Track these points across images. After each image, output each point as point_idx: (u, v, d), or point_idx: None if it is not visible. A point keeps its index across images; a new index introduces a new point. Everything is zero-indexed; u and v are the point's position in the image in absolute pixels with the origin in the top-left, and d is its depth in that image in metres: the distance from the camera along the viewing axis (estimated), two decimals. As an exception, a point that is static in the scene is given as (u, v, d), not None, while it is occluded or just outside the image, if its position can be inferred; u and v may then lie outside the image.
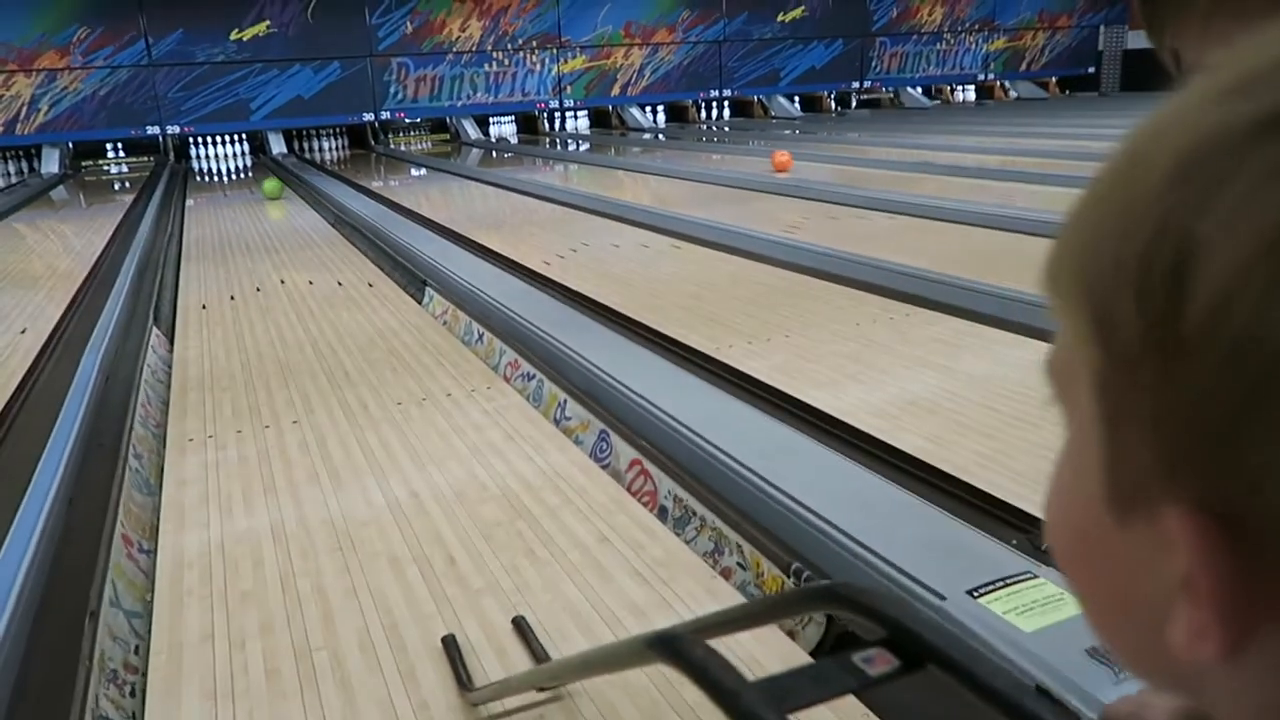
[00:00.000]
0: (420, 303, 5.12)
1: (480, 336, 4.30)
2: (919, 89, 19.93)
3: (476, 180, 11.56)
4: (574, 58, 17.14)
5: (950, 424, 2.97)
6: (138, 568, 2.41)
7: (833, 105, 19.67)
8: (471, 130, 16.82)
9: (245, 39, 15.08)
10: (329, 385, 3.70)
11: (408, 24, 16.03)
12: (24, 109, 14.20)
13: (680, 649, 0.70)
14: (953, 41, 19.97)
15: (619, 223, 7.39)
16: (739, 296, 4.75)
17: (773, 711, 0.61)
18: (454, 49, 16.42)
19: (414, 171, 13.42)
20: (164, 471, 2.97)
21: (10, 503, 2.64)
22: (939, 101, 20.37)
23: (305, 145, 16.33)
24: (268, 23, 15.15)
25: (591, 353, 3.71)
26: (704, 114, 18.89)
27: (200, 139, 15.56)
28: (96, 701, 1.81)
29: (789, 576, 2.18)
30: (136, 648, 2.09)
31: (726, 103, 18.92)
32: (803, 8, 18.31)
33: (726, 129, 17.28)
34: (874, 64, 19.34)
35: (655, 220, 7.23)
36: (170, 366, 4.15)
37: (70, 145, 14.97)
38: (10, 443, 3.28)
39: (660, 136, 16.62)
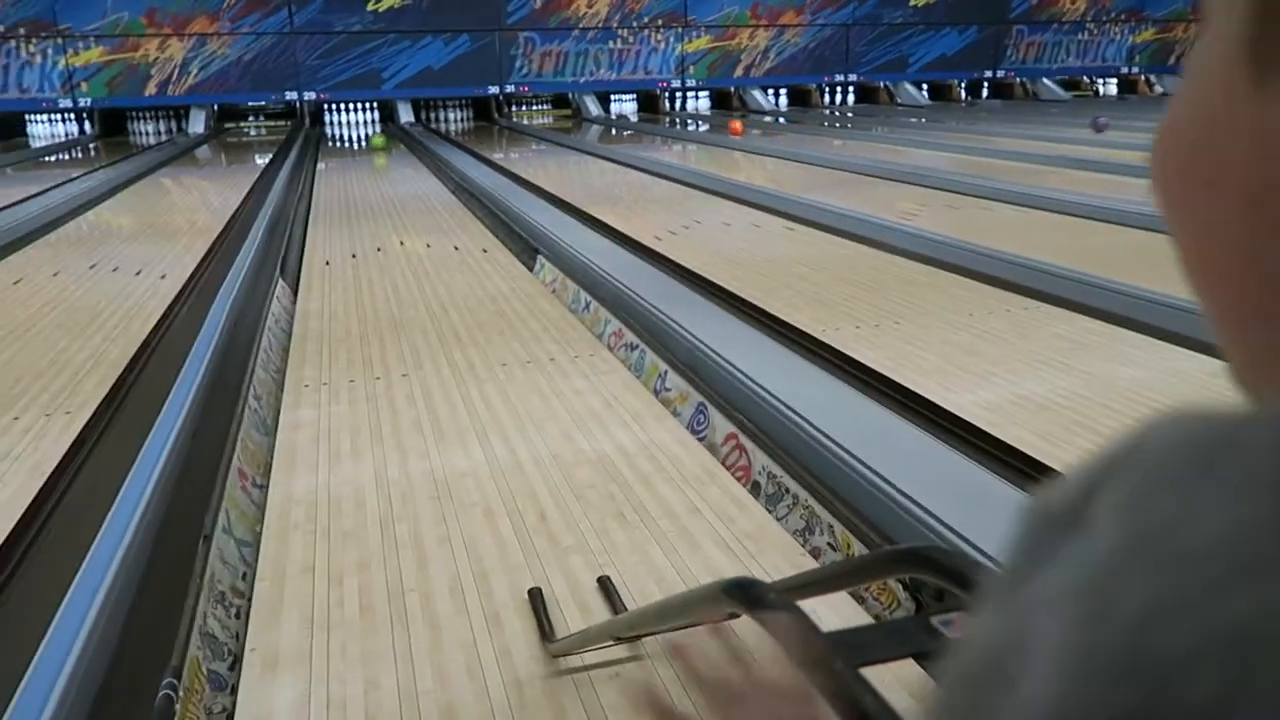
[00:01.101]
0: (531, 270, 5.20)
1: (587, 305, 4.34)
2: (1056, 80, 19.10)
3: (595, 155, 11.65)
4: (698, 37, 17.05)
5: (1063, 422, 2.85)
6: (250, 501, 2.54)
7: (962, 94, 19.04)
8: (593, 107, 16.94)
9: (381, 10, 15.53)
10: (438, 343, 3.80)
11: (536, -1, 16.24)
12: (175, 71, 14.98)
13: (755, 594, 0.69)
14: (1096, 31, 19.04)
15: (732, 202, 7.34)
16: (850, 280, 4.66)
17: (845, 662, 0.60)
18: (580, 25, 16.54)
19: (535, 145, 13.61)
20: (280, 414, 3.10)
21: (140, 431, 2.81)
22: (1076, 94, 19.48)
23: (432, 115, 16.74)
24: (403, -6, 15.56)
25: (695, 327, 3.70)
26: (827, 99, 18.55)
27: (334, 105, 16.13)
28: (204, 619, 1.91)
29: (880, 560, 2.13)
30: (244, 574, 2.20)
31: (851, 88, 18.52)
32: (939, -8, 17.76)
33: (850, 115, 16.92)
34: (1009, 53, 18.61)
35: (769, 201, 7.14)
36: (292, 317, 4.33)
37: (215, 107, 15.74)
38: (145, 377, 3.49)
39: (781, 120, 16.41)
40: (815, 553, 2.25)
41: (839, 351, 3.55)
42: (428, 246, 5.83)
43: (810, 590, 1.00)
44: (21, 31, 14.09)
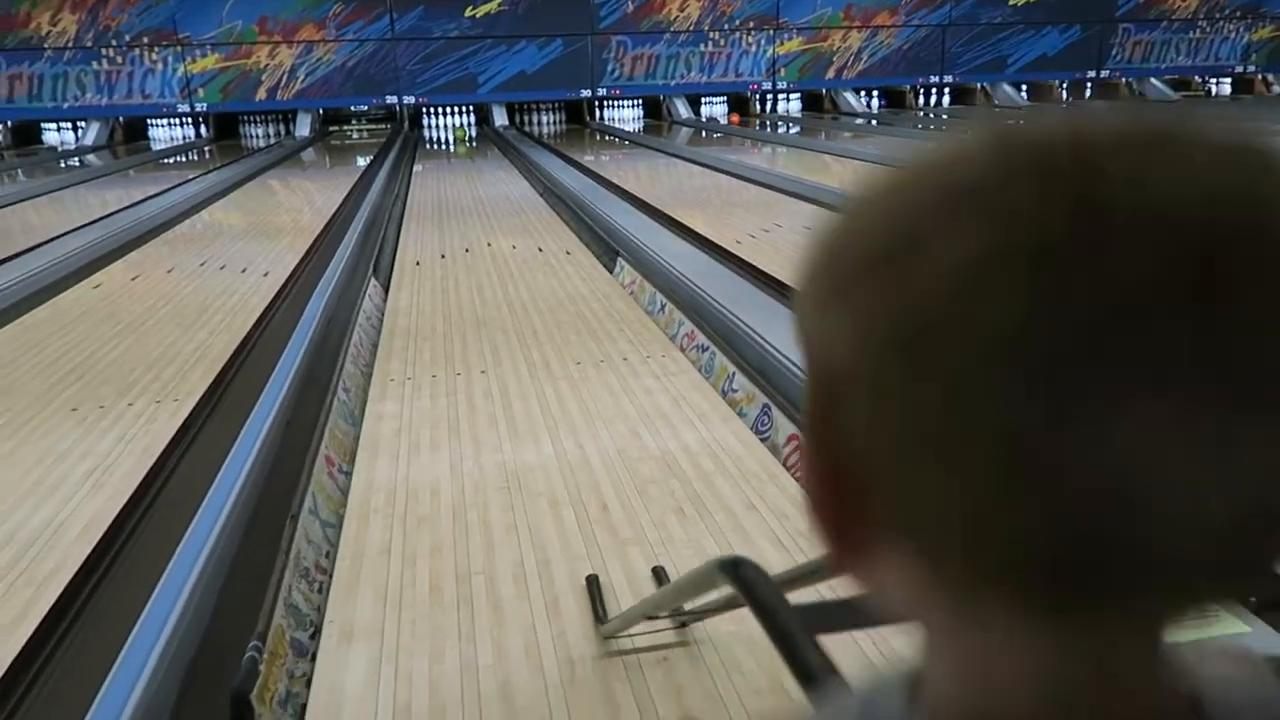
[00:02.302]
0: (611, 272, 5.32)
1: (662, 307, 4.44)
2: (1164, 80, 18.39)
3: (684, 159, 11.74)
4: (790, 39, 16.99)
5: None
6: (335, 485, 2.71)
7: (1064, 95, 18.50)
8: (683, 109, 17.05)
9: (479, 16, 15.94)
10: (517, 342, 3.95)
11: (629, 3, 16.41)
12: (284, 77, 15.66)
13: (739, 571, 0.77)
14: (1208, 29, 18.27)
15: (818, 206, 7.34)
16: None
17: (806, 630, 0.68)
18: (671, 28, 16.67)
19: (624, 147, 13.78)
20: (367, 405, 3.29)
21: (238, 420, 3.03)
22: (1186, 94, 18.71)
23: (525, 118, 17.09)
24: (499, 0, 15.93)
25: (767, 330, 3.77)
26: (922, 100, 18.26)
27: (432, 109, 16.61)
28: (289, 591, 2.07)
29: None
30: (327, 553, 2.36)
31: (947, 89, 18.19)
32: (1038, -10, 17.30)
33: (945, 116, 16.63)
34: (1114, 52, 18.01)
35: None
36: (383, 314, 4.55)
37: (320, 111, 16.38)
38: (245, 369, 3.73)
39: (874, 122, 16.23)
40: (867, 553, 2.30)
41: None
42: (513, 248, 6.02)
43: (812, 579, 1.07)
44: (145, 41, 14.94)
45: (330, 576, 2.21)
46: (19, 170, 12.32)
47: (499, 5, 15.97)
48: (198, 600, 2.01)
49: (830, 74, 17.33)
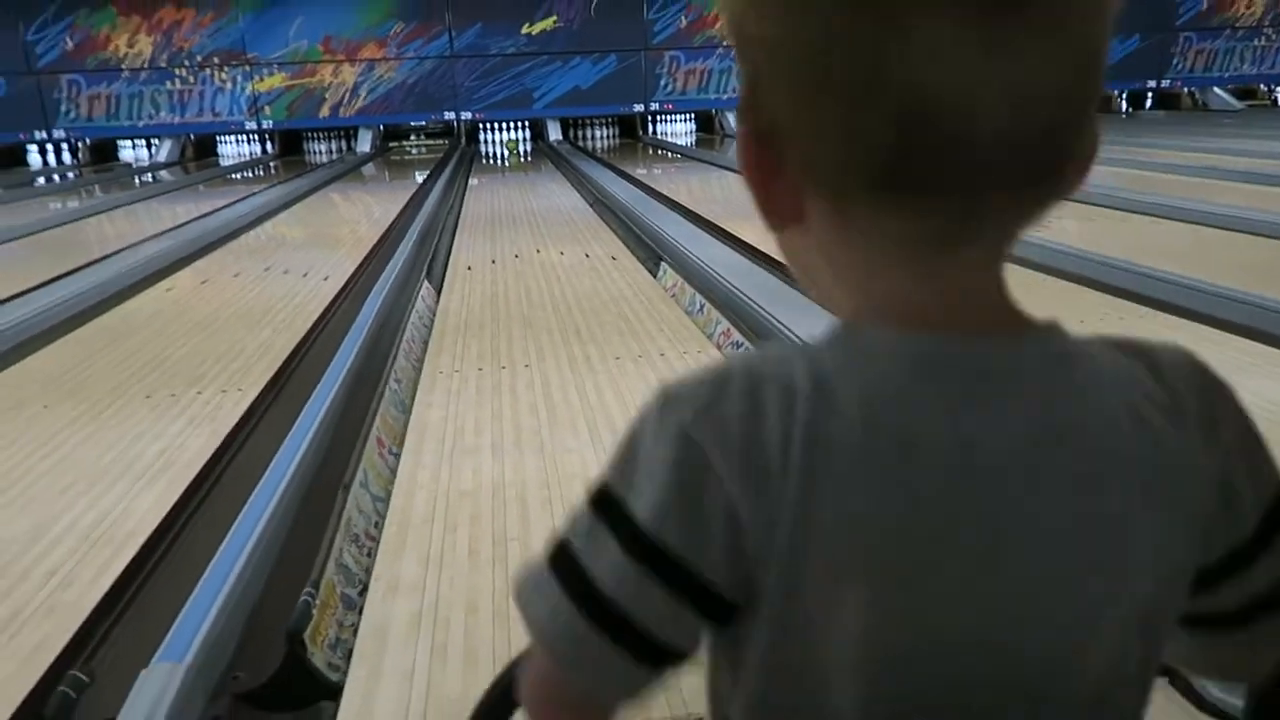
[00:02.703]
0: (655, 276, 5.48)
1: (701, 307, 4.59)
2: (1228, 90, 18.05)
3: (736, 172, 11.87)
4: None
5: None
6: (385, 465, 2.90)
7: (1123, 105, 18.26)
8: (734, 123, 17.15)
9: (534, 33, 16.29)
10: (560, 339, 4.13)
11: (682, 18, 16.64)
12: (347, 95, 16.17)
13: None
14: (1275, 36, 17.90)
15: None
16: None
17: None
18: (724, 43, 16.84)
19: (677, 160, 13.97)
20: (416, 395, 3.49)
21: (298, 406, 3.24)
22: (1251, 104, 18.34)
23: (579, 133, 17.39)
24: (555, 17, 16.27)
25: (800, 327, 3.89)
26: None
27: (488, 124, 16.99)
28: (340, 552, 2.26)
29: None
30: (376, 523, 2.55)
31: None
32: (1096, 0, 17.10)
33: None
34: (1175, 61, 17.74)
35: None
36: (434, 314, 4.77)
37: (381, 127, 16.86)
38: (305, 363, 3.97)
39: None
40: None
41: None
42: (561, 254, 6.21)
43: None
44: (215, 61, 15.55)
45: (377, 542, 2.39)
46: (96, 186, 12.91)
47: (555, 22, 16.30)
48: (260, 556, 2.20)
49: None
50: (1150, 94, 18.23)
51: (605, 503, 0.53)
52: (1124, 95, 18.19)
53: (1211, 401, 0.54)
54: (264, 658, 1.92)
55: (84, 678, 1.87)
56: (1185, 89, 18.23)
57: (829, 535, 0.49)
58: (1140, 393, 0.52)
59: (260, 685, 1.86)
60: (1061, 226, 6.31)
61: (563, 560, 0.54)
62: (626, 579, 0.52)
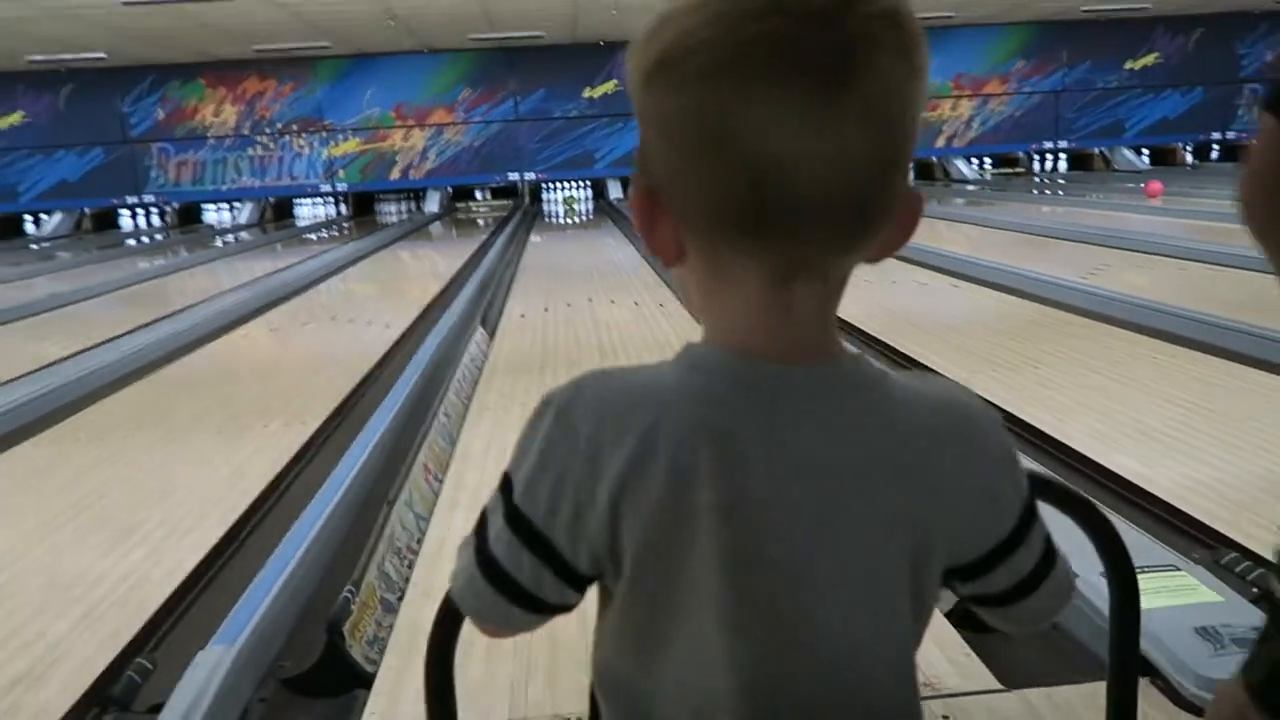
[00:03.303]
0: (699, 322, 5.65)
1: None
2: (1299, 140, 17.70)
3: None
4: (899, 110, 17.23)
5: (1162, 449, 2.95)
6: (430, 489, 3.10)
7: (1188, 158, 18.06)
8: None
9: (595, 96, 16.85)
10: (603, 378, 4.31)
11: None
12: (416, 158, 16.86)
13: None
14: (1345, 87, 17.58)
15: (906, 264, 7.52)
16: (1001, 330, 4.81)
17: None
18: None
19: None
20: (463, 428, 3.70)
21: (355, 435, 3.47)
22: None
23: (639, 192, 17.75)
24: (615, 81, 16.80)
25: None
26: (1037, 166, 18.14)
27: (551, 184, 17.52)
28: (383, 561, 2.45)
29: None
30: (418, 539, 2.73)
31: (1063, 155, 18.02)
32: (1156, 54, 17.08)
33: (1061, 181, 16.49)
34: (1240, 113, 17.53)
35: (939, 262, 7.29)
36: (486, 356, 5.00)
37: (448, 188, 17.51)
38: (364, 399, 4.22)
39: (986, 189, 16.23)
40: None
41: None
42: (611, 303, 6.44)
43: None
44: (294, 128, 16.40)
45: (417, 555, 2.57)
46: (181, 246, 13.65)
47: (615, 86, 16.83)
48: (313, 557, 2.41)
49: (940, 142, 17.46)
50: (1215, 146, 18.01)
51: (503, 481, 0.69)
52: (1189, 147, 18.01)
53: (969, 430, 0.67)
54: (309, 649, 2.10)
55: (148, 664, 2.07)
56: (1251, 140, 17.92)
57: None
58: (917, 416, 0.65)
59: (303, 672, 2.04)
60: (1126, 278, 6.35)
61: (477, 526, 0.70)
62: (503, 541, 0.67)
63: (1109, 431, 3.16)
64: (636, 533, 0.62)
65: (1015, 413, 3.41)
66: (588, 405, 0.65)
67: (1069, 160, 18.11)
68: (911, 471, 0.64)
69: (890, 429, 0.64)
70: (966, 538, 0.67)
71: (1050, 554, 0.71)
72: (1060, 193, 14.72)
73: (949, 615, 2.13)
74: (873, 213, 0.61)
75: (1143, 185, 11.53)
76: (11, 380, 4.68)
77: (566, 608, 0.69)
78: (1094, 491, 2.63)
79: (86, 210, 16.41)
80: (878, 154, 0.58)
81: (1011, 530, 0.68)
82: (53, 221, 16.20)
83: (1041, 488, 0.77)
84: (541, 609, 0.68)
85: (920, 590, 0.66)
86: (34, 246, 14.23)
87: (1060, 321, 5.04)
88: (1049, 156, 18.11)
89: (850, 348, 0.66)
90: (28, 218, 16.34)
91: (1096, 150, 17.84)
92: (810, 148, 0.57)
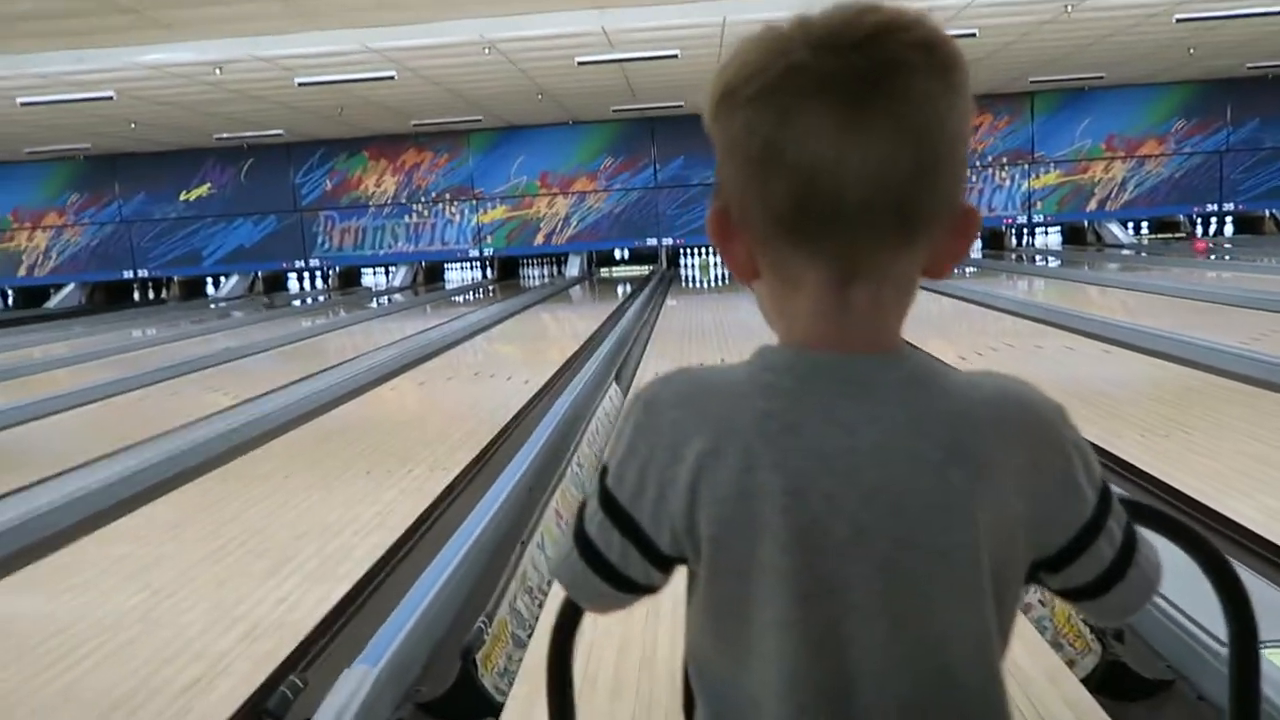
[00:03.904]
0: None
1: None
2: None
3: (931, 290, 11.84)
4: (1047, 173, 16.78)
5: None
6: (561, 534, 3.20)
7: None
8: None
9: (734, 163, 17.11)
10: (733, 434, 4.36)
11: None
12: (559, 224, 17.49)
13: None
14: None
15: (1056, 329, 7.28)
16: (1154, 397, 4.60)
17: None
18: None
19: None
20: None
21: (492, 478, 3.63)
22: None
23: (776, 256, 17.79)
24: (754, 149, 17.05)
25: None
26: (1200, 230, 17.23)
27: (689, 249, 17.80)
28: (514, 599, 2.55)
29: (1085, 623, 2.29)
30: (549, 580, 2.83)
31: (1229, 218, 17.07)
32: (1331, 110, 16.07)
33: (1227, 245, 15.60)
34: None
35: (1090, 327, 7.02)
36: (619, 411, 5.13)
37: (590, 254, 18.05)
38: (504, 448, 4.40)
39: (1143, 254, 15.51)
40: (1025, 606, 2.44)
41: (1112, 455, 3.61)
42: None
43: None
44: (447, 197, 17.33)
45: (547, 596, 2.66)
46: (340, 307, 14.53)
47: (754, 153, 17.06)
48: (449, 593, 2.54)
49: (1092, 205, 16.85)
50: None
51: (600, 468, 0.76)
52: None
53: (1034, 421, 0.71)
54: (444, 677, 2.21)
55: (299, 682, 2.23)
56: None
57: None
58: (982, 408, 0.69)
59: (437, 697, 2.14)
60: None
61: (578, 509, 0.78)
62: (596, 522, 0.74)
63: (1272, 502, 2.98)
64: (711, 514, 0.68)
65: (1162, 478, 3.27)
66: (671, 397, 0.72)
67: (1235, 223, 17.15)
68: (978, 461, 0.67)
69: (955, 418, 0.68)
70: (1046, 528, 0.70)
71: (1131, 542, 0.73)
72: (1227, 257, 13.92)
73: (1085, 681, 2.06)
74: (913, 215, 0.67)
75: None
76: (188, 424, 5.11)
77: (652, 588, 0.75)
78: (1258, 566, 2.49)
79: (259, 273, 17.74)
80: (912, 160, 0.65)
81: (1090, 519, 0.71)
82: (230, 283, 17.56)
83: (1173, 531, 0.80)
84: (628, 587, 0.75)
85: (1002, 579, 0.69)
86: (213, 306, 15.47)
87: (1216, 387, 4.78)
88: (1213, 220, 17.20)
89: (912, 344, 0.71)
90: (209, 280, 17.81)
91: (1266, 213, 16.82)
92: (845, 156, 0.64)
